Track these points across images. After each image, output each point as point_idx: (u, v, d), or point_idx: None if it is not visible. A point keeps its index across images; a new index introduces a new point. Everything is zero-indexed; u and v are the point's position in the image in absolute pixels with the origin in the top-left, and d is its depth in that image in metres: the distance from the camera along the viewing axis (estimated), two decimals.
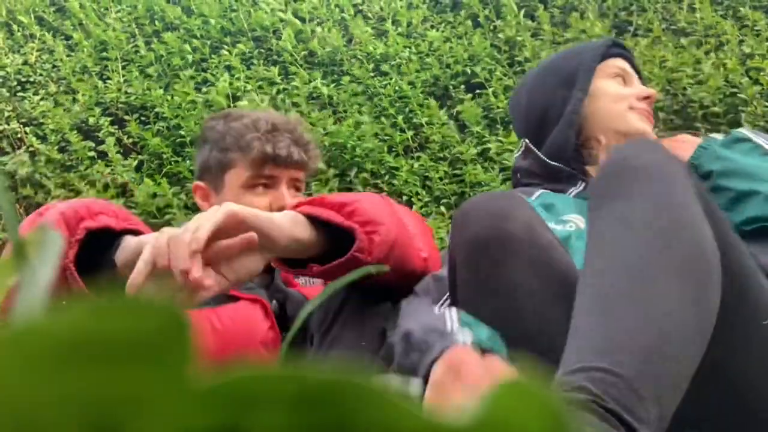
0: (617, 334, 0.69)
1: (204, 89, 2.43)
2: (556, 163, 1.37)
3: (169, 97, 2.37)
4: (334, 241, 0.96)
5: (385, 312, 1.04)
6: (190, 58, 2.57)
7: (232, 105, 2.31)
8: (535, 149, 1.40)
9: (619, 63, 1.46)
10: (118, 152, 2.27)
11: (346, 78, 2.42)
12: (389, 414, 0.12)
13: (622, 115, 1.37)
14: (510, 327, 0.86)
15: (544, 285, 0.90)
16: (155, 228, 2.09)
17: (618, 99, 1.40)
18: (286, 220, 0.92)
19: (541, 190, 1.30)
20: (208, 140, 1.39)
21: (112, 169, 2.22)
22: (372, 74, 2.45)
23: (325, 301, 1.07)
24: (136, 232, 0.97)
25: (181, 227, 0.85)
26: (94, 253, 0.92)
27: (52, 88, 2.56)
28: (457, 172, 2.12)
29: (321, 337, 1.05)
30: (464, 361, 0.76)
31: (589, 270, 0.80)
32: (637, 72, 1.50)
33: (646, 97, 1.40)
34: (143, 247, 0.86)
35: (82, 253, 0.91)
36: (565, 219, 1.12)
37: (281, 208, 1.30)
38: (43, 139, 2.38)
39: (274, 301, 1.30)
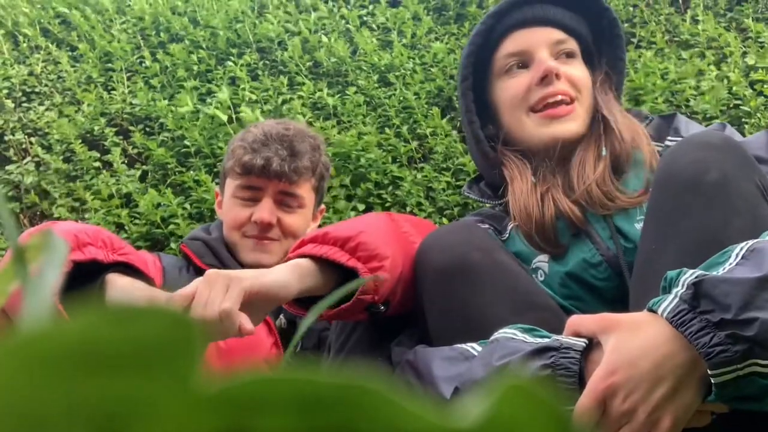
0: None
1: (209, 100, 2.44)
2: (478, 198, 1.19)
3: (173, 108, 2.38)
4: (342, 276, 0.95)
5: (399, 329, 1.04)
6: (195, 69, 2.58)
7: (234, 116, 2.32)
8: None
9: (513, 42, 1.13)
10: (122, 162, 2.27)
11: (351, 89, 2.43)
12: (395, 416, 0.12)
13: (522, 126, 1.12)
14: None
15: (509, 305, 0.90)
16: (156, 238, 2.08)
17: (513, 104, 1.12)
18: (292, 276, 0.90)
19: (480, 227, 1.14)
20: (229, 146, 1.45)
21: (117, 179, 2.23)
22: (377, 85, 2.46)
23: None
24: (125, 265, 0.96)
25: (189, 289, 0.84)
26: (78, 283, 0.91)
27: (58, 98, 2.58)
28: (461, 183, 2.12)
29: (337, 350, 1.04)
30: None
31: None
32: (564, 27, 1.14)
33: (543, 77, 1.08)
34: (132, 299, 0.86)
35: (65, 284, 0.89)
36: (535, 266, 1.07)
37: (262, 221, 1.30)
38: (48, 149, 2.38)
39: (281, 316, 1.30)
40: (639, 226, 1.00)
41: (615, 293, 0.99)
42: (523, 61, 1.13)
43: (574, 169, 1.07)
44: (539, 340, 0.78)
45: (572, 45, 1.15)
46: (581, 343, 0.75)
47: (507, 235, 1.12)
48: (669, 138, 1.12)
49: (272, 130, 1.35)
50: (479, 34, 1.16)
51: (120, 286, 0.92)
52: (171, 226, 2.04)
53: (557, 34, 1.13)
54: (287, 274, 0.89)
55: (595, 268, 1.01)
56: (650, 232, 0.87)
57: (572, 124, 1.10)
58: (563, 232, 1.05)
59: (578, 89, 1.11)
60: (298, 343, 1.28)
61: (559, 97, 1.09)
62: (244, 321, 0.82)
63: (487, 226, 1.13)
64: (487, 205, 1.20)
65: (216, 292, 0.81)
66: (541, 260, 1.06)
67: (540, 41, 1.12)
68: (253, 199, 1.35)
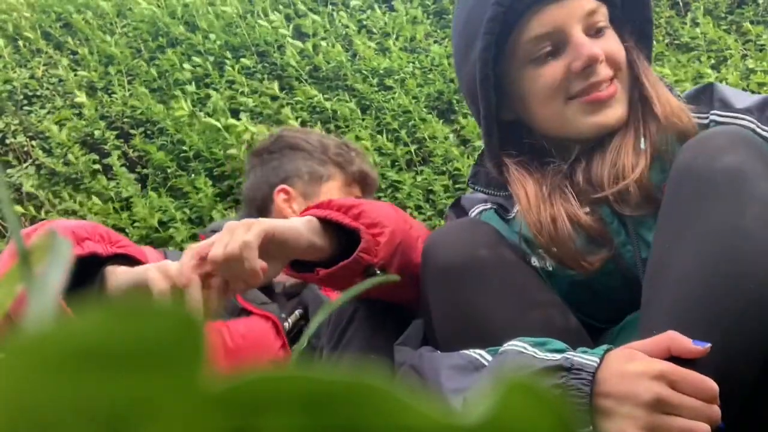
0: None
1: (208, 104, 2.45)
2: (478, 188, 1.08)
3: (172, 112, 2.38)
4: (343, 249, 0.96)
5: (394, 326, 1.04)
6: (191, 73, 2.58)
7: (232, 120, 2.32)
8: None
9: (541, 22, 0.95)
10: (122, 165, 2.27)
11: (350, 93, 2.43)
12: (400, 414, 0.12)
13: (560, 117, 0.98)
14: (488, 347, 0.85)
15: (515, 303, 0.89)
16: (155, 242, 2.08)
17: (549, 94, 0.97)
18: (304, 227, 0.92)
19: (481, 207, 1.08)
20: (300, 149, 1.45)
21: (117, 183, 2.23)
22: (375, 89, 2.46)
23: (334, 316, 1.07)
24: (124, 257, 0.96)
25: (210, 239, 0.86)
26: (78, 279, 0.91)
27: (58, 101, 2.58)
28: (460, 186, 2.12)
29: (331, 348, 1.05)
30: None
31: (658, 282, 0.80)
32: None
33: (587, 66, 0.94)
34: (139, 278, 0.86)
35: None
36: (542, 255, 0.99)
37: None
38: (49, 152, 2.39)
39: (299, 310, 1.30)
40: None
41: (627, 301, 0.94)
42: (556, 44, 0.96)
43: (605, 164, 0.95)
44: (549, 355, 0.77)
45: (603, 13, 0.98)
46: (593, 363, 0.73)
47: (513, 213, 1.05)
48: (715, 112, 0.97)
49: (359, 147, 1.50)
50: (495, 19, 0.94)
51: (121, 271, 0.92)
52: (170, 230, 2.04)
53: (589, 3, 0.96)
54: (300, 225, 0.92)
55: (606, 276, 0.95)
56: (663, 228, 0.83)
57: (617, 108, 0.97)
58: (581, 240, 0.96)
59: (618, 66, 0.98)
60: (309, 338, 1.28)
61: (603, 86, 0.96)
62: (263, 264, 0.84)
63: (490, 206, 1.08)
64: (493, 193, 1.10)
65: (237, 234, 0.83)
66: None
67: (572, 16, 0.94)
68: None
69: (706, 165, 0.80)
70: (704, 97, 1.01)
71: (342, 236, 0.96)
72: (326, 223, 0.95)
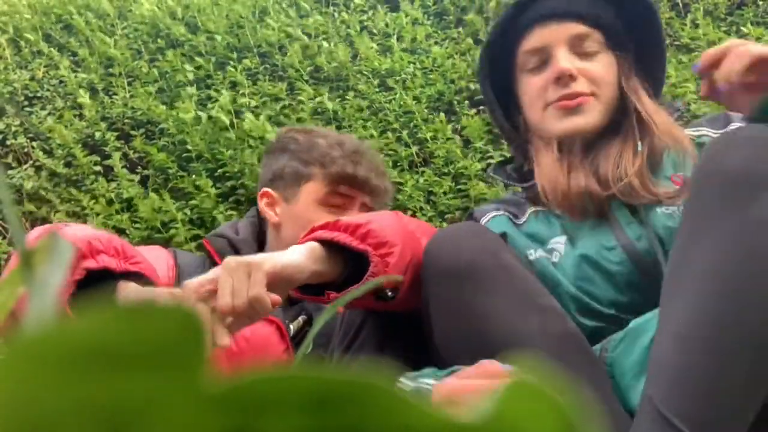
0: (689, 381, 0.72)
1: (209, 105, 2.45)
2: (505, 181, 1.19)
3: (173, 113, 2.38)
4: (352, 264, 0.96)
5: (405, 333, 1.03)
6: (193, 74, 2.58)
7: (235, 121, 2.32)
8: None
9: (533, 39, 1.13)
10: (123, 167, 2.28)
11: (351, 93, 2.43)
12: (401, 414, 0.12)
13: (541, 121, 1.13)
14: (486, 350, 0.85)
15: (516, 308, 0.90)
16: (156, 243, 2.08)
17: (532, 101, 1.14)
18: (306, 257, 0.91)
19: (493, 213, 1.17)
20: (287, 149, 1.40)
21: (117, 184, 2.23)
22: (377, 90, 2.46)
23: (345, 323, 1.07)
24: (137, 274, 0.96)
25: (210, 276, 0.85)
26: (89, 291, 0.91)
27: (59, 103, 2.58)
28: (462, 186, 2.12)
29: (343, 350, 1.05)
30: (457, 389, 0.76)
31: (673, 302, 0.80)
32: (582, 17, 1.11)
33: (558, 78, 1.09)
34: (149, 297, 0.86)
35: (77, 290, 0.90)
36: (551, 247, 1.07)
37: None
38: (49, 153, 2.39)
39: (303, 316, 1.29)
40: (660, 210, 1.01)
41: (627, 279, 0.98)
42: (543, 59, 1.12)
43: (608, 164, 1.06)
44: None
45: (595, 38, 1.12)
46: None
47: (524, 218, 1.13)
48: (735, 123, 1.09)
49: (360, 145, 1.40)
50: (496, 29, 1.16)
51: (132, 288, 0.92)
52: (171, 231, 2.05)
53: (578, 29, 1.10)
54: (301, 257, 0.90)
55: (609, 252, 1.01)
56: (686, 225, 0.83)
57: (587, 115, 1.09)
58: (588, 207, 1.06)
59: (597, 85, 1.10)
60: (310, 341, 1.28)
61: (574, 96, 1.10)
62: (274, 297, 0.84)
63: (502, 212, 1.14)
64: (511, 190, 1.19)
65: (240, 280, 0.82)
66: (558, 242, 1.06)
67: (559, 38, 1.10)
68: (342, 207, 1.36)
69: (731, 162, 0.79)
70: (719, 119, 1.13)
71: (350, 255, 0.95)
72: (332, 244, 0.94)
